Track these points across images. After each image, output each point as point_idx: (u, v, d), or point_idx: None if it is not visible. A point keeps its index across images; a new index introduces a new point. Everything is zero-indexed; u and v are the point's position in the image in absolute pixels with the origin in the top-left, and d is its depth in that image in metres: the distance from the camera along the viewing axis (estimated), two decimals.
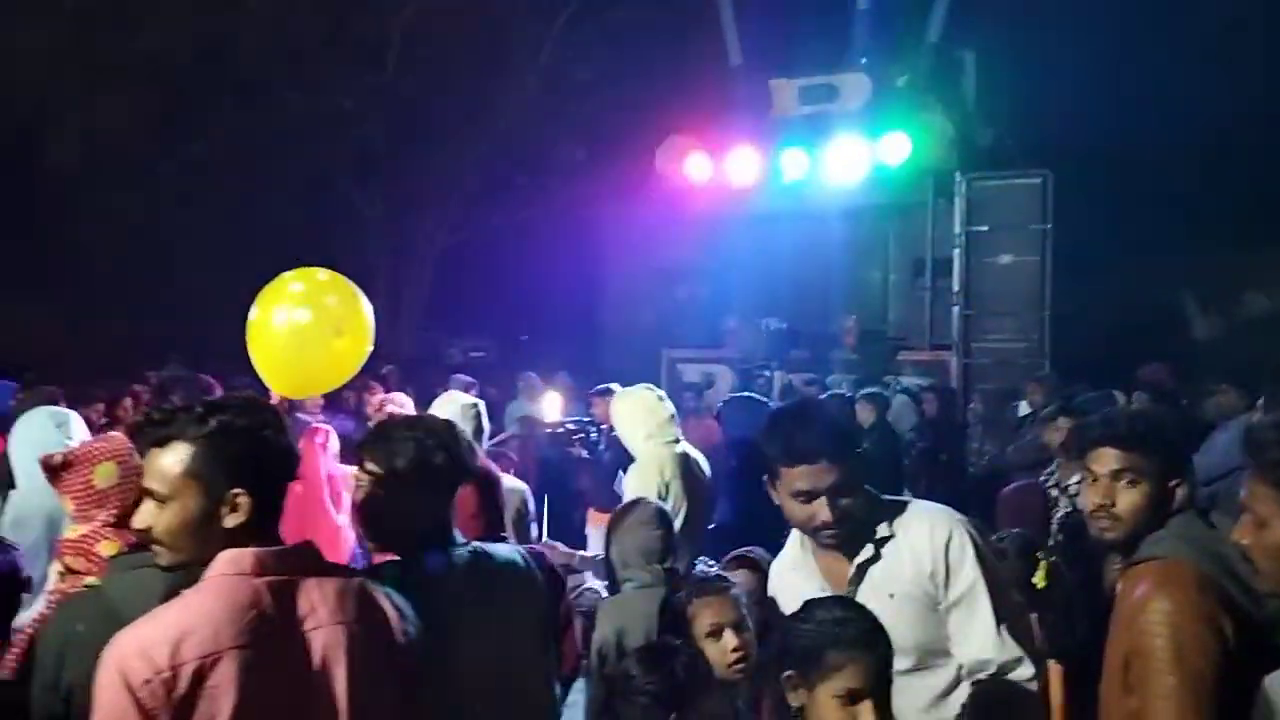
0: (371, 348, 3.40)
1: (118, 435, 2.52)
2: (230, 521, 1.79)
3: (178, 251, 13.77)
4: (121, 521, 2.27)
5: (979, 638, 2.28)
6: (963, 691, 2.35)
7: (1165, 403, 6.18)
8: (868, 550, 2.34)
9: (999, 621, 2.27)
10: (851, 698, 1.96)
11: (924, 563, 2.30)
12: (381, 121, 14.37)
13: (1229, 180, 12.34)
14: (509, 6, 13.55)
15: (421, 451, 2.37)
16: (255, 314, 3.33)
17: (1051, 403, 6.38)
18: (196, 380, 7.08)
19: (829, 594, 2.33)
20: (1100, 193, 10.93)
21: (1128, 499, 2.24)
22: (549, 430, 7.30)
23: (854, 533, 2.34)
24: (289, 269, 3.43)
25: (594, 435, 6.72)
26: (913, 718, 2.31)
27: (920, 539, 2.32)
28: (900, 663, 2.17)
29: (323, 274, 3.46)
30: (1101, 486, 2.27)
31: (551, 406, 7.67)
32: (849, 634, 2.00)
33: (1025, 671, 2.27)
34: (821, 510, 2.29)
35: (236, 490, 1.79)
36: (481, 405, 4.35)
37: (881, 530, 2.36)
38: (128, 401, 6.66)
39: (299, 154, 13.71)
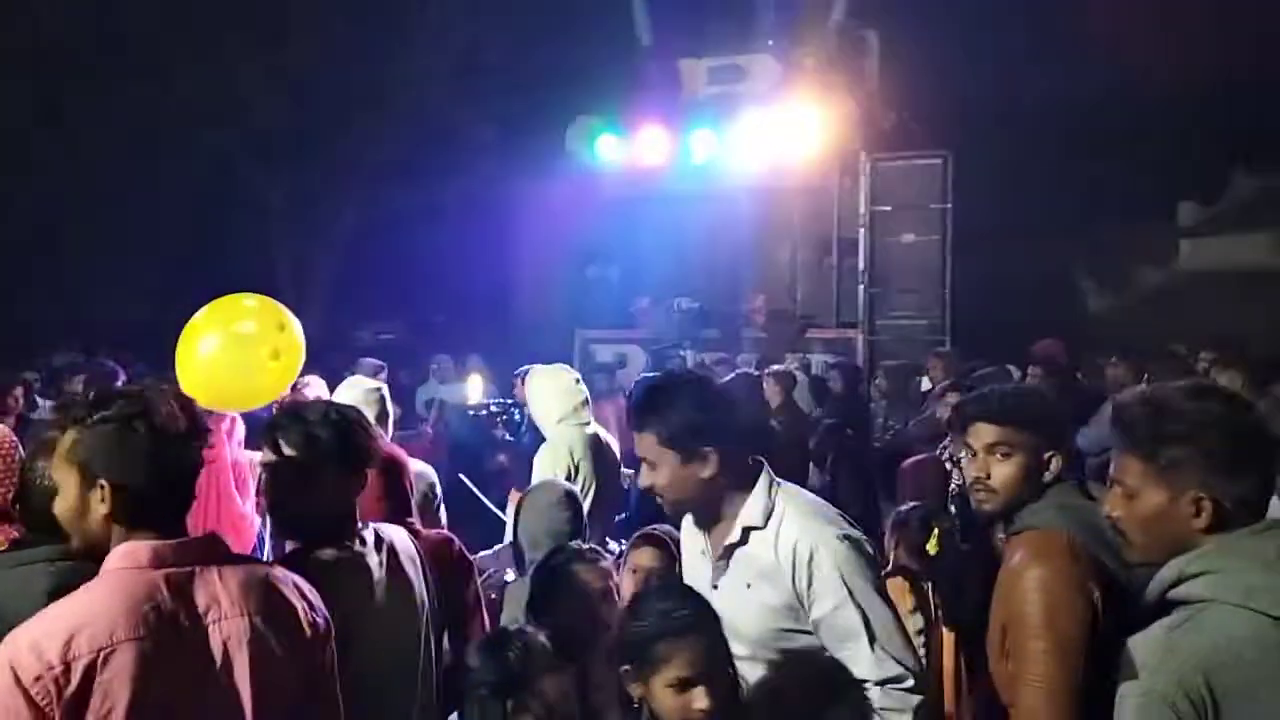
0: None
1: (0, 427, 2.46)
2: (99, 511, 1.79)
3: (71, 237, 13.24)
4: (2, 516, 2.22)
5: (853, 662, 2.25)
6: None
7: (1058, 377, 6.43)
8: (735, 534, 2.36)
9: (872, 641, 2.23)
10: (683, 685, 2.03)
11: (785, 569, 2.28)
12: (284, 102, 13.99)
13: (1119, 157, 12.80)
14: None
15: (321, 437, 2.35)
16: (199, 323, 3.34)
17: (950, 378, 6.60)
18: (98, 367, 6.88)
19: (699, 562, 2.46)
20: (998, 172, 11.25)
21: (1002, 472, 2.33)
22: (471, 413, 7.29)
23: (712, 511, 2.39)
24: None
25: (517, 417, 6.71)
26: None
27: (785, 546, 2.29)
28: (739, 649, 2.22)
29: (279, 318, 3.48)
30: (979, 461, 2.37)
31: (474, 389, 7.66)
32: (675, 625, 2.06)
33: (906, 685, 2.25)
34: (644, 476, 2.39)
35: (102, 481, 1.78)
36: (385, 389, 4.33)
37: (752, 519, 2.35)
38: (18, 391, 6.41)
39: (199, 136, 13.29)
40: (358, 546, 2.42)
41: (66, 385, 6.92)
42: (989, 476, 2.35)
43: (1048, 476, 2.32)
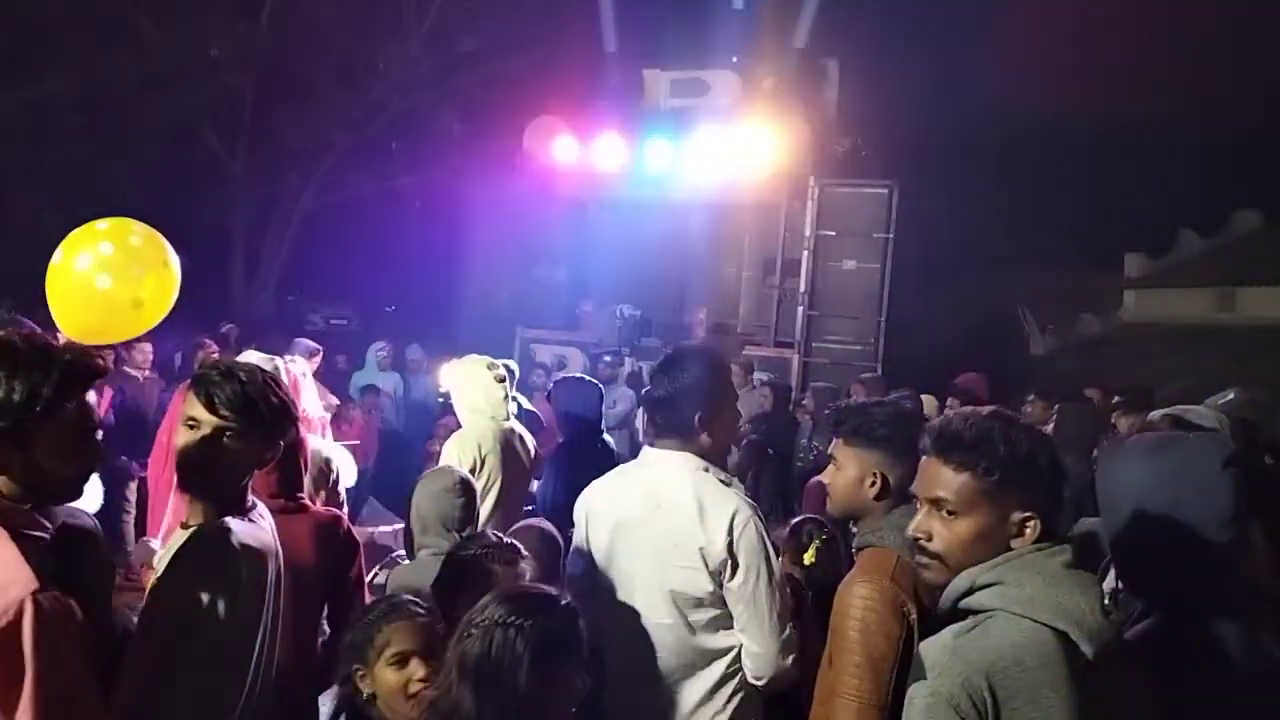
0: (168, 308, 3.42)
1: None
2: None
3: (20, 194, 13.03)
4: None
5: (756, 630, 2.61)
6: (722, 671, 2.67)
7: None
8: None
9: (772, 612, 2.60)
10: (401, 661, 2.23)
11: (715, 532, 2.60)
12: (251, 73, 13.90)
13: (1068, 204, 13.10)
14: None
15: (256, 400, 2.25)
16: (59, 258, 3.30)
17: None
18: (19, 325, 6.83)
19: None
20: (947, 207, 11.48)
21: (838, 481, 2.55)
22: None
23: None
24: (141, 219, 3.45)
25: None
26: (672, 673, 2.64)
27: (719, 509, 2.62)
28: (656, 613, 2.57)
29: (136, 233, 3.44)
30: (828, 470, 2.58)
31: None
32: (385, 610, 2.26)
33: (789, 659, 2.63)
34: None
35: None
36: (283, 364, 4.31)
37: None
38: None
39: (161, 100, 13.14)
40: (258, 520, 2.38)
41: None
42: (831, 483, 2.58)
43: (884, 493, 2.47)
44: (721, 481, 2.73)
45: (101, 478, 3.22)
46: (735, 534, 2.61)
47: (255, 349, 5.99)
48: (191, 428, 2.23)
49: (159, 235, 3.53)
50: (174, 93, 13.10)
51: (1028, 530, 1.83)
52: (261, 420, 2.25)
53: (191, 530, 2.26)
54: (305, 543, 3.09)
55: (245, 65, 13.66)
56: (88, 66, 12.43)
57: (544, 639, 2.02)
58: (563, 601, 2.15)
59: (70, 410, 1.81)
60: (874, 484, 2.46)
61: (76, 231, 3.45)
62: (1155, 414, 3.26)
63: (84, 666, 1.66)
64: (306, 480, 3.62)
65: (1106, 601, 1.82)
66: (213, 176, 14.54)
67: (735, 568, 2.62)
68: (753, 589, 2.61)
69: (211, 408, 2.21)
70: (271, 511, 2.99)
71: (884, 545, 2.39)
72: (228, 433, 2.22)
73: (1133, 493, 2.06)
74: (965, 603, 1.84)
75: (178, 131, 13.85)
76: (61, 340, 3.19)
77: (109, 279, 3.33)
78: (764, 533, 2.66)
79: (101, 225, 3.49)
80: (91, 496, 2.48)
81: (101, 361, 1.93)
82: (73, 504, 2.27)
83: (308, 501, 3.32)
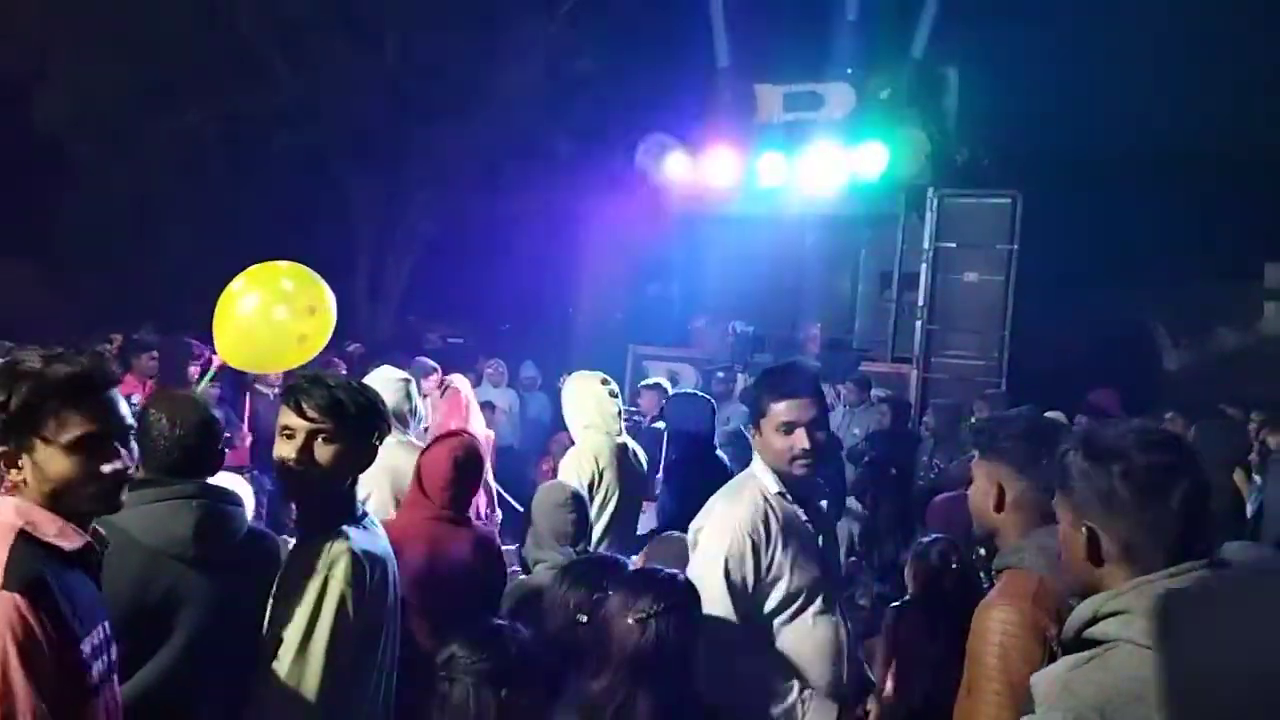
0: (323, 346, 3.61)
1: None
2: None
3: (165, 220, 13.80)
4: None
5: None
6: None
7: None
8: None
9: None
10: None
11: None
12: (379, 103, 14.42)
13: (1202, 213, 12.46)
14: None
15: (344, 401, 2.30)
16: (239, 286, 3.53)
17: None
18: (174, 343, 7.21)
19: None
20: (1072, 217, 11.05)
21: (970, 495, 2.50)
22: None
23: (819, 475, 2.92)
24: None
25: (643, 426, 6.89)
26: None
27: None
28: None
29: (310, 276, 3.73)
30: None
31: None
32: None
33: None
34: (801, 439, 2.74)
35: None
36: (413, 384, 4.41)
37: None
38: None
39: (293, 130, 13.76)
40: (373, 528, 2.44)
41: (136, 360, 7.30)
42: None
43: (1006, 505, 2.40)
44: None
45: None
46: None
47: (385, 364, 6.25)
48: (288, 437, 2.30)
49: (323, 281, 3.79)
50: (304, 125, 13.70)
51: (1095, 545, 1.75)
52: (351, 420, 2.30)
53: (310, 539, 2.31)
54: (462, 555, 3.29)
55: (370, 97, 14.16)
56: (227, 101, 13.12)
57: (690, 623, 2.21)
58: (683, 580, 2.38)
59: (71, 419, 1.76)
60: (993, 496, 2.41)
61: (258, 266, 3.72)
62: None
63: (23, 674, 1.61)
64: (480, 499, 3.75)
65: None
66: (339, 203, 15.13)
67: None
68: None
69: (301, 413, 2.28)
70: (435, 521, 3.25)
71: (1023, 566, 2.27)
72: (322, 434, 2.28)
73: None
74: (1089, 633, 1.73)
75: (307, 161, 14.46)
76: (215, 362, 3.39)
77: (285, 312, 3.56)
78: None
79: (283, 265, 3.77)
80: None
81: (107, 369, 1.88)
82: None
83: (471, 516, 3.49)
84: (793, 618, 2.79)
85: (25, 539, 1.72)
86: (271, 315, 3.53)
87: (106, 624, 1.87)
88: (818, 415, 2.77)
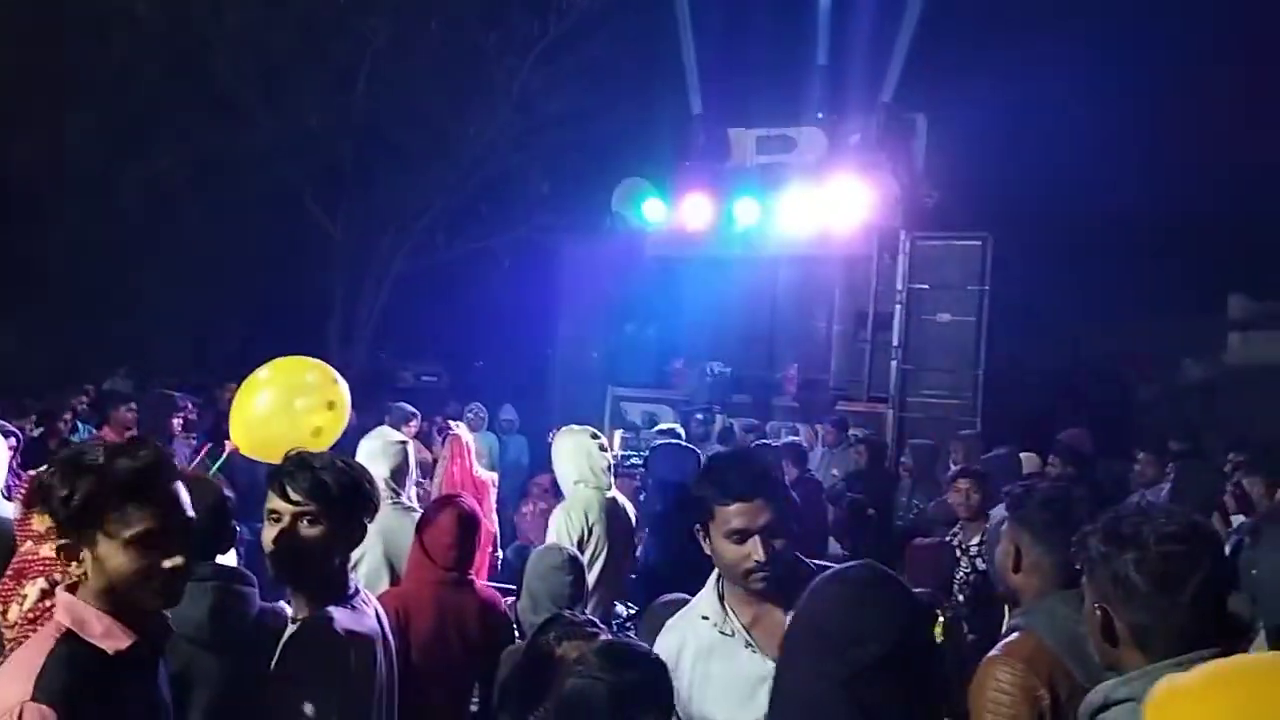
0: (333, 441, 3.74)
1: None
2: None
3: (139, 266, 13.70)
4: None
5: None
6: None
7: (1078, 468, 6.42)
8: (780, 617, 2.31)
9: None
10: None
11: None
12: (350, 142, 14.44)
13: (1165, 248, 12.75)
14: (483, 35, 13.72)
15: (329, 484, 2.32)
16: (265, 375, 3.75)
17: (972, 460, 6.62)
18: (156, 397, 7.13)
19: (757, 656, 2.32)
20: (1040, 258, 11.28)
21: (998, 554, 2.61)
22: None
23: (784, 589, 2.30)
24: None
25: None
26: None
27: None
28: None
29: (334, 375, 3.91)
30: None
31: None
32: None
33: None
34: (755, 550, 2.29)
35: None
36: (410, 446, 4.40)
37: None
38: (67, 415, 6.67)
39: (266, 172, 13.74)
40: (362, 607, 2.44)
41: (114, 412, 7.21)
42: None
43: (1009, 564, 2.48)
44: None
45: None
46: None
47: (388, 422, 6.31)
48: (275, 520, 2.33)
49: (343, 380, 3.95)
50: (277, 164, 13.69)
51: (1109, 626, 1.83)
52: (336, 502, 2.32)
53: (298, 623, 2.34)
54: (469, 616, 3.36)
55: (343, 135, 14.18)
56: (198, 143, 13.09)
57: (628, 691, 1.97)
58: (652, 655, 2.14)
59: (133, 515, 1.76)
60: (1012, 557, 2.49)
61: (287, 359, 3.93)
62: None
63: None
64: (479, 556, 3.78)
65: None
66: (313, 242, 15.09)
67: None
68: None
69: (285, 496, 2.31)
70: (442, 584, 3.28)
71: (1031, 629, 2.35)
72: (307, 517, 2.30)
73: None
74: (1102, 718, 1.79)
75: (280, 202, 14.44)
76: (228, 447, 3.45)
77: (306, 403, 3.70)
78: None
79: (310, 360, 3.98)
80: None
81: (170, 463, 1.88)
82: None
83: (474, 577, 3.53)
84: None
85: (69, 641, 1.73)
86: (291, 406, 3.64)
87: None
88: (773, 519, 2.31)
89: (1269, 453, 6.16)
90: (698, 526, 2.42)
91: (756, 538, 2.30)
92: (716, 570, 2.46)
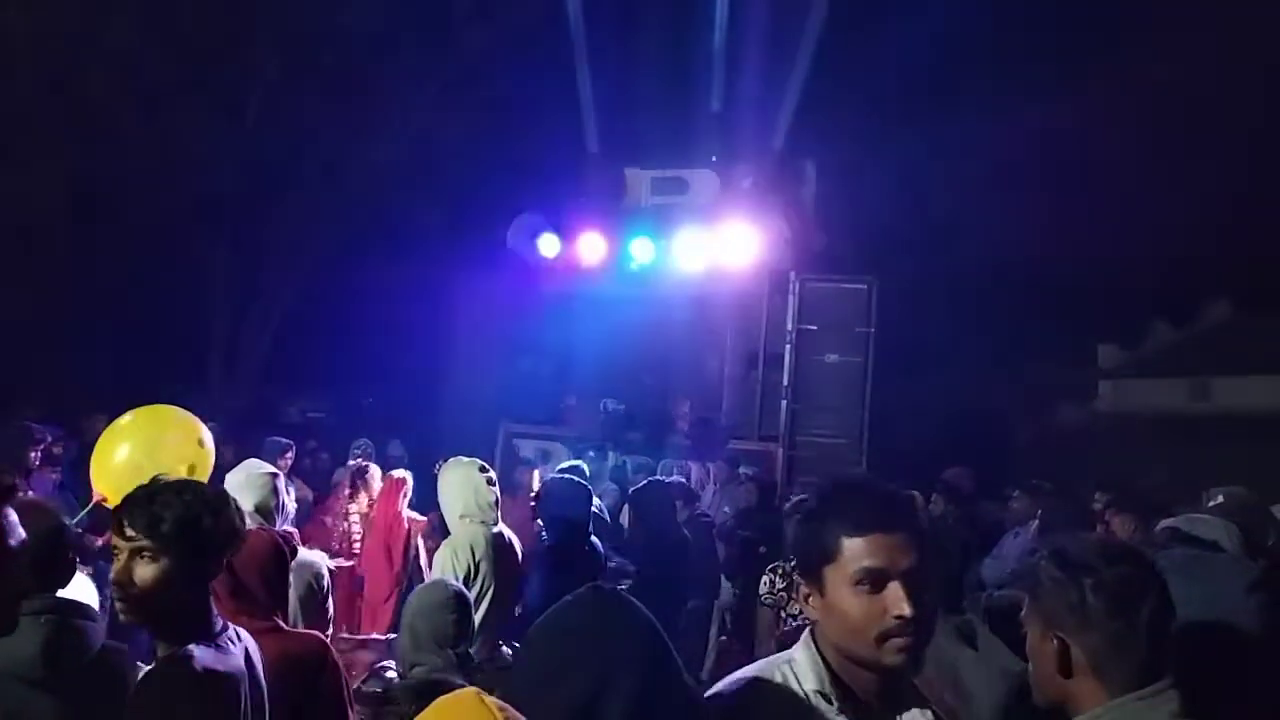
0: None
1: None
2: None
3: (7, 291, 12.97)
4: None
5: None
6: None
7: (960, 505, 6.61)
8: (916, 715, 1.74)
9: None
10: None
11: None
12: (234, 170, 14.03)
13: (1041, 300, 13.34)
14: (380, 69, 13.58)
15: (165, 519, 2.15)
16: (129, 420, 3.66)
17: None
18: (13, 430, 6.71)
19: None
20: (924, 302, 11.66)
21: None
22: None
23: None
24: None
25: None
26: None
27: None
28: None
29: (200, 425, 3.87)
30: None
31: None
32: None
33: None
34: (897, 600, 1.64)
35: None
36: (281, 480, 4.19)
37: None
38: None
39: (144, 197, 13.21)
40: (228, 645, 2.28)
41: None
42: None
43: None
44: None
45: None
46: None
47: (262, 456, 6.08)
48: (115, 554, 2.17)
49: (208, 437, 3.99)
50: (156, 190, 13.19)
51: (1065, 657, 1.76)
52: (171, 538, 2.14)
53: (153, 664, 2.18)
54: (269, 666, 2.81)
55: (229, 162, 13.78)
56: (71, 161, 12.53)
57: None
58: None
59: None
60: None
61: (150, 410, 3.92)
62: (1160, 525, 3.26)
63: None
64: (292, 596, 3.52)
65: None
66: (194, 272, 14.55)
67: None
68: None
69: (120, 531, 2.15)
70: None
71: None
72: (143, 552, 2.13)
73: None
74: None
75: (160, 227, 13.89)
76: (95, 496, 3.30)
77: (177, 440, 3.77)
78: None
79: (174, 415, 3.98)
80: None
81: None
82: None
83: (283, 624, 3.13)
84: None
85: None
86: (153, 464, 3.43)
87: None
88: (919, 562, 1.67)
89: (1135, 493, 6.48)
90: (798, 581, 1.79)
91: (898, 583, 1.65)
92: (809, 634, 1.79)
